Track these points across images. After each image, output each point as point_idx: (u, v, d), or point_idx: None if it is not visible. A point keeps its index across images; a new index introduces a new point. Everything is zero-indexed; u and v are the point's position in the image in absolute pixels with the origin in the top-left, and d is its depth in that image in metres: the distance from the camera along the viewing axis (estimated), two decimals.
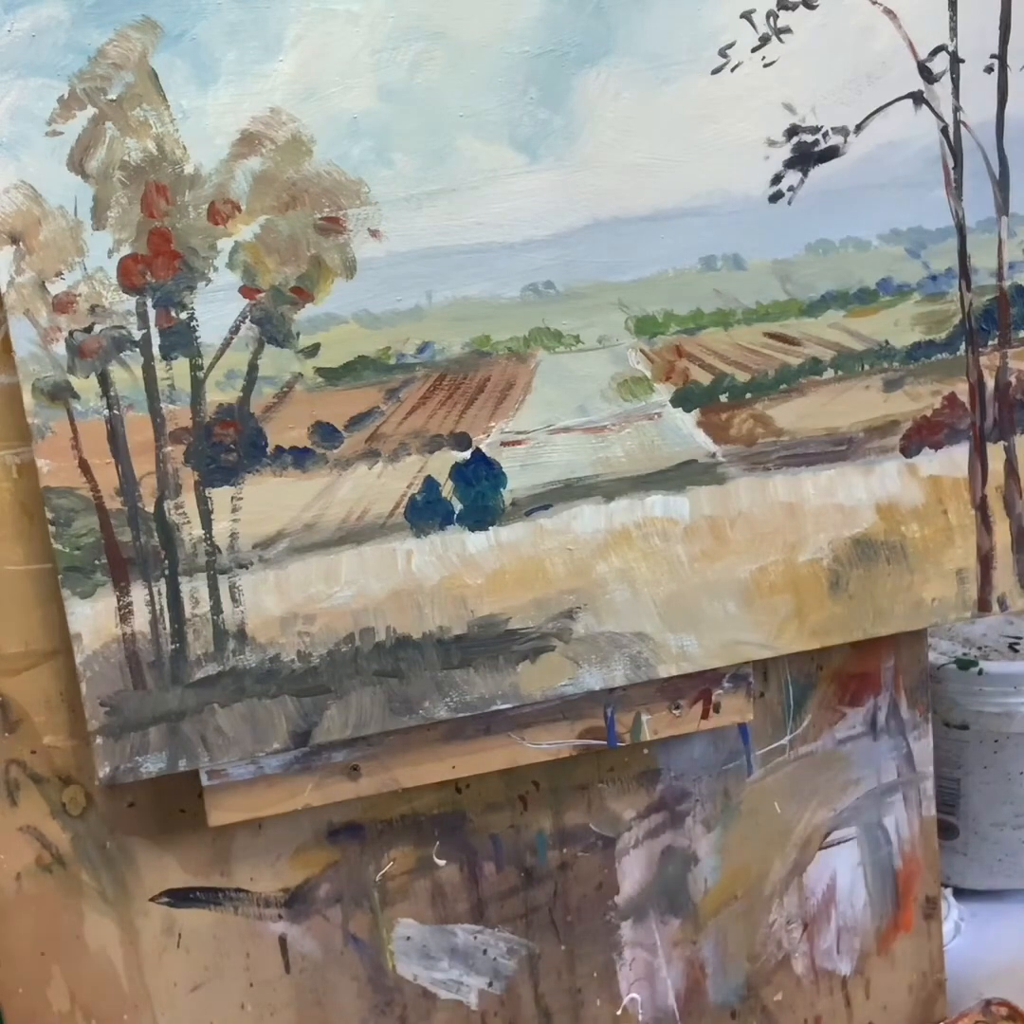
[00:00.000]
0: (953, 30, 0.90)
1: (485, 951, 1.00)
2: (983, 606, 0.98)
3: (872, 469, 0.94)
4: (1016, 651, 1.23)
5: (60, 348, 0.80)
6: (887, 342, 0.93)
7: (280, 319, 0.83)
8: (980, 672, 1.19)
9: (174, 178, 0.79)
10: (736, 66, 0.86)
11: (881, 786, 1.07)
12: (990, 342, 0.95)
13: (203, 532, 0.83)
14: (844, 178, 0.89)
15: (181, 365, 0.82)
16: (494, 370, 0.86)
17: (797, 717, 1.04)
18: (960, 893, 1.24)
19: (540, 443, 0.88)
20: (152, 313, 0.81)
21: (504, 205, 0.84)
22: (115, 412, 0.81)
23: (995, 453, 0.96)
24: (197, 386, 0.82)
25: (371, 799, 0.93)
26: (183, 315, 0.81)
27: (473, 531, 0.87)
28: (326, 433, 0.84)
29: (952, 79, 0.90)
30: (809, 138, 0.88)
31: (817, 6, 0.87)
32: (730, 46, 0.86)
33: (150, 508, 0.82)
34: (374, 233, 0.83)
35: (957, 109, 0.91)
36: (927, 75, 0.90)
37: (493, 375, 0.87)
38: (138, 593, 0.83)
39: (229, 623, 0.84)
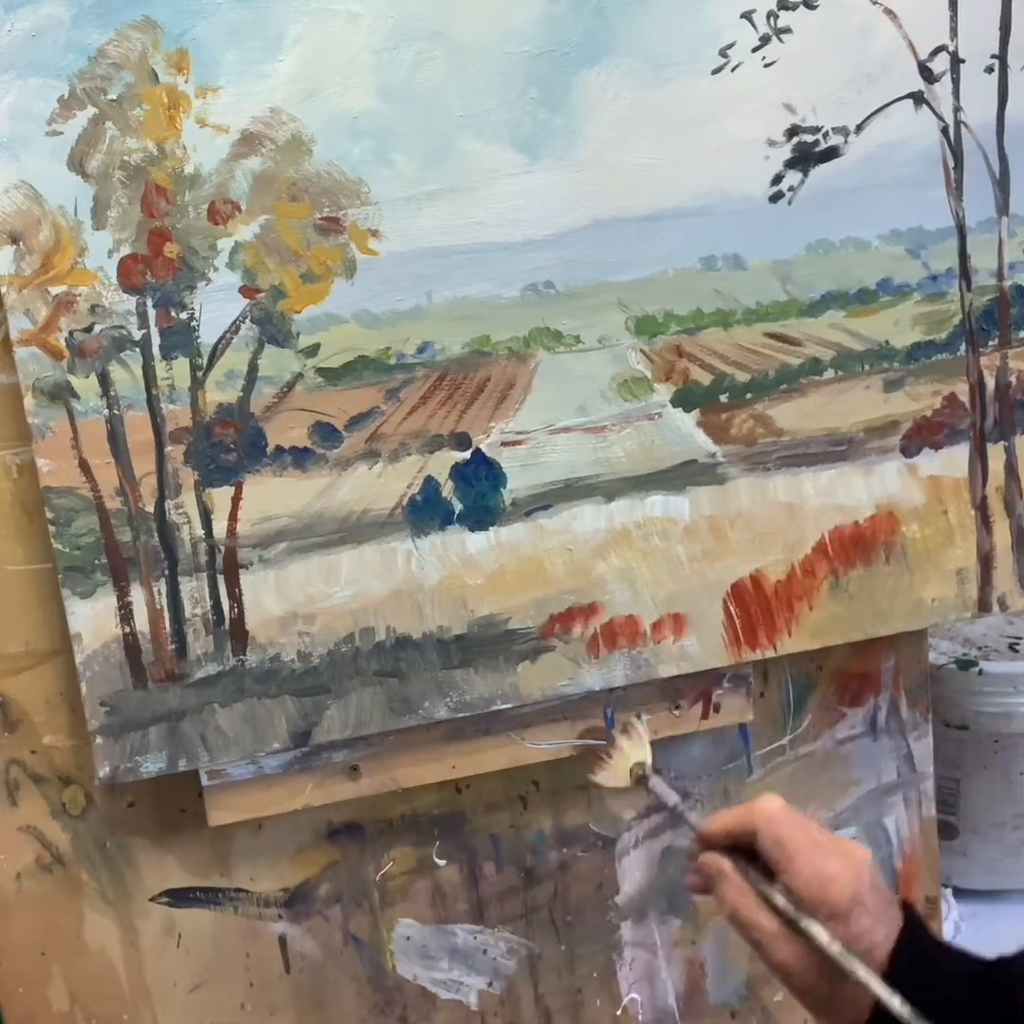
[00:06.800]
0: (953, 30, 0.90)
1: (485, 951, 1.00)
2: (983, 606, 0.97)
3: (872, 469, 0.94)
4: (1016, 651, 1.23)
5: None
6: (887, 342, 0.93)
7: (280, 319, 0.83)
8: (980, 672, 1.19)
9: (174, 178, 0.80)
10: (736, 66, 0.86)
11: (881, 786, 1.07)
12: (990, 342, 0.95)
13: (203, 532, 0.83)
14: (844, 178, 0.89)
15: (181, 365, 0.82)
16: (494, 370, 0.86)
17: (797, 717, 1.04)
18: (960, 893, 1.24)
19: (540, 443, 0.88)
20: (152, 313, 0.81)
21: (504, 205, 0.84)
22: (115, 412, 0.81)
23: (995, 453, 0.96)
24: (197, 386, 0.82)
25: (371, 799, 0.93)
26: (183, 315, 0.81)
27: (473, 531, 0.87)
28: (326, 433, 0.84)
29: (952, 79, 0.90)
30: (809, 138, 0.88)
31: (817, 6, 0.87)
32: (730, 46, 0.86)
33: (150, 508, 0.82)
34: (374, 233, 0.83)
35: (957, 109, 0.91)
36: (927, 75, 0.90)
37: (493, 375, 0.86)
38: (138, 593, 0.83)
39: (229, 623, 0.84)
